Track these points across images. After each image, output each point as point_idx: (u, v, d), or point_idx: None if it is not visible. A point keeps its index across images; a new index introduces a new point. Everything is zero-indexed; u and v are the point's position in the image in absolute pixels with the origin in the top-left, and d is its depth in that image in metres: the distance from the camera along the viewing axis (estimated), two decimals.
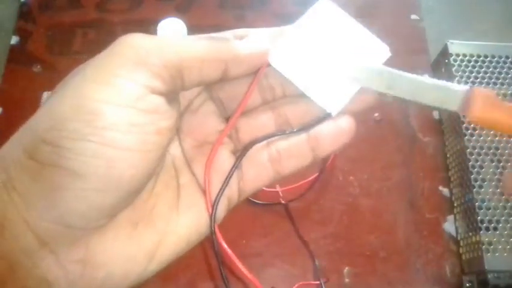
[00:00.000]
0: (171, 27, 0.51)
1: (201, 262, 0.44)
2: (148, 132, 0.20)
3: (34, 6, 0.58)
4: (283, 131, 0.24)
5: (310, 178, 0.47)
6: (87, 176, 0.18)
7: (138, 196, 0.21)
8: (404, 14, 0.59)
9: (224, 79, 0.22)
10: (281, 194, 0.47)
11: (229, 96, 0.25)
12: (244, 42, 0.23)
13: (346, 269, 0.46)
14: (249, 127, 0.25)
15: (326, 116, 0.24)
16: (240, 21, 0.58)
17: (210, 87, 0.25)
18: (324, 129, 0.24)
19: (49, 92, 0.52)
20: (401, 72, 0.24)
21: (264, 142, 0.24)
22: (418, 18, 0.58)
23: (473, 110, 0.23)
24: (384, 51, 0.25)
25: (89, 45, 0.56)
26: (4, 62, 0.55)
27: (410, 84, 0.23)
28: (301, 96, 0.24)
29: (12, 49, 0.56)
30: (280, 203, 0.47)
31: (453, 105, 0.23)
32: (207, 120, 0.25)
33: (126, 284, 0.21)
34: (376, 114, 0.53)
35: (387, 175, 0.50)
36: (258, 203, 0.47)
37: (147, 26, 0.55)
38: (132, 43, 0.20)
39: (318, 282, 0.44)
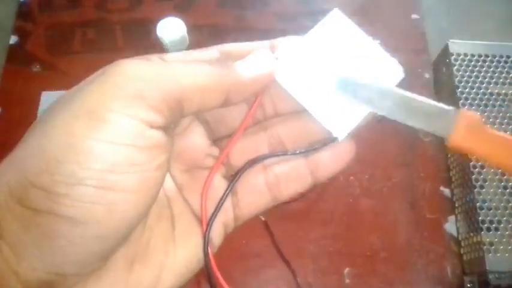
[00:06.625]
0: (171, 26, 0.51)
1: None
2: (149, 169, 0.18)
3: (33, 6, 0.58)
4: (284, 152, 0.23)
5: None
6: (87, 223, 0.17)
7: (132, 233, 0.20)
8: (405, 13, 0.58)
9: (225, 106, 0.21)
10: None
11: (216, 117, 0.23)
12: (248, 65, 0.21)
13: (346, 270, 0.45)
14: (241, 150, 0.23)
15: (331, 140, 0.22)
16: (240, 21, 0.58)
17: None
18: (324, 151, 0.23)
19: (48, 92, 0.52)
20: (390, 87, 0.22)
21: (260, 166, 0.23)
22: (419, 17, 0.58)
23: (454, 137, 0.20)
24: (397, 71, 0.22)
25: (88, 44, 0.56)
26: (3, 62, 0.55)
27: (398, 102, 0.21)
28: (294, 114, 0.23)
29: (11, 49, 0.56)
30: (279, 204, 0.47)
31: (441, 129, 0.20)
32: (195, 144, 0.23)
33: None
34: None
35: (388, 175, 0.50)
36: None
37: (147, 25, 0.55)
38: (127, 72, 0.18)
39: None
